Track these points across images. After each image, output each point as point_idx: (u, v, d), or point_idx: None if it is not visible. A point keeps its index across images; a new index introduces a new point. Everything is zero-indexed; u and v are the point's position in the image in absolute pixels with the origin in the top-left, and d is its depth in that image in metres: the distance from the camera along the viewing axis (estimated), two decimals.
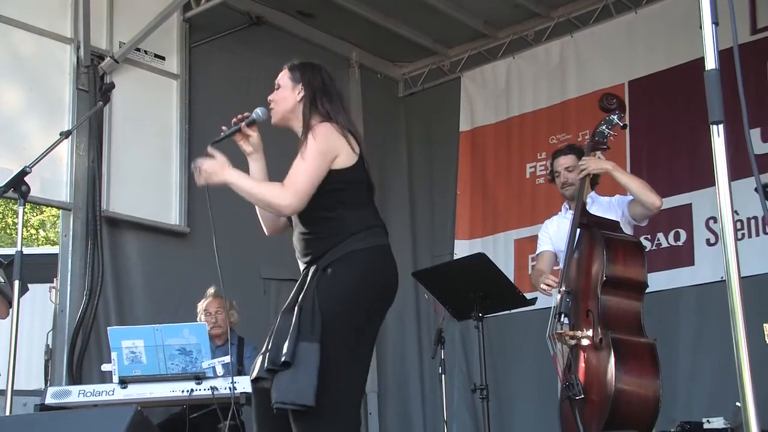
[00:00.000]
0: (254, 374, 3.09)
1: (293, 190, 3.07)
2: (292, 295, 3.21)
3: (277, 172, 3.28)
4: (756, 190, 2.43)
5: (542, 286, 4.22)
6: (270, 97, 3.31)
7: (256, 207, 3.34)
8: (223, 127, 3.28)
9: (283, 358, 2.93)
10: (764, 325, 3.26)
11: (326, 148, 3.11)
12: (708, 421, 4.46)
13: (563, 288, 4.01)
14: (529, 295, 4.78)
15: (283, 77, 3.33)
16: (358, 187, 3.22)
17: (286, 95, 3.26)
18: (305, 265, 3.23)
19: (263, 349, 3.14)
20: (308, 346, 2.93)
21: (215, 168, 3.15)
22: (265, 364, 3.01)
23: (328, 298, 3.03)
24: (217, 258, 3.47)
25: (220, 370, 4.48)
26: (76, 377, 5.27)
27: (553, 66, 6.95)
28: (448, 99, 7.51)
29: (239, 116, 3.28)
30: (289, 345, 2.94)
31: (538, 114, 6.98)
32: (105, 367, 4.59)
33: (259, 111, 3.25)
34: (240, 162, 3.30)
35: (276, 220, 3.38)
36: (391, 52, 7.62)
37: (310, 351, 2.92)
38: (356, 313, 3.08)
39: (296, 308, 3.06)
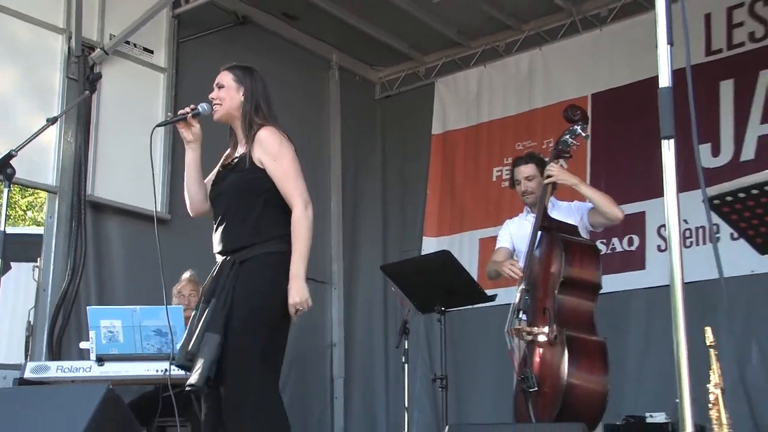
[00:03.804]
0: (175, 362, 3.28)
1: (303, 199, 3.24)
2: (208, 284, 3.29)
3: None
4: (703, 201, 2.47)
5: (507, 270, 4.21)
6: (212, 96, 3.43)
7: (185, 186, 3.50)
8: (169, 114, 3.39)
9: (190, 349, 3.10)
10: (705, 328, 3.31)
11: (292, 151, 3.30)
12: (651, 415, 4.52)
13: (523, 286, 4.04)
14: (489, 292, 4.80)
15: (225, 78, 3.45)
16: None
17: (232, 95, 3.39)
18: (222, 255, 3.31)
19: (182, 340, 3.27)
20: (211, 336, 3.05)
21: None
22: (183, 358, 3.18)
23: (244, 294, 3.12)
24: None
25: None
26: (55, 353, 5.22)
27: (522, 76, 6.99)
28: (422, 103, 7.52)
29: (187, 108, 3.40)
30: (197, 336, 3.09)
31: (506, 121, 7.01)
32: (83, 345, 4.55)
33: (204, 105, 3.41)
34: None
35: (203, 204, 3.49)
36: (369, 56, 7.62)
37: (212, 341, 3.04)
38: (270, 310, 3.16)
39: (212, 300, 3.16)
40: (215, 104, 3.41)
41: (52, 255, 5.50)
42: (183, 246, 6.00)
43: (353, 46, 7.36)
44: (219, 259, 3.34)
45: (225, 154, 3.52)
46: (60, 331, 5.33)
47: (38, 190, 5.83)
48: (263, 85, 3.46)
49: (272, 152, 3.25)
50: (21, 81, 5.55)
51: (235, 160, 3.38)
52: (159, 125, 3.45)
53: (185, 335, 3.24)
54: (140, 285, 5.66)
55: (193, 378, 3.02)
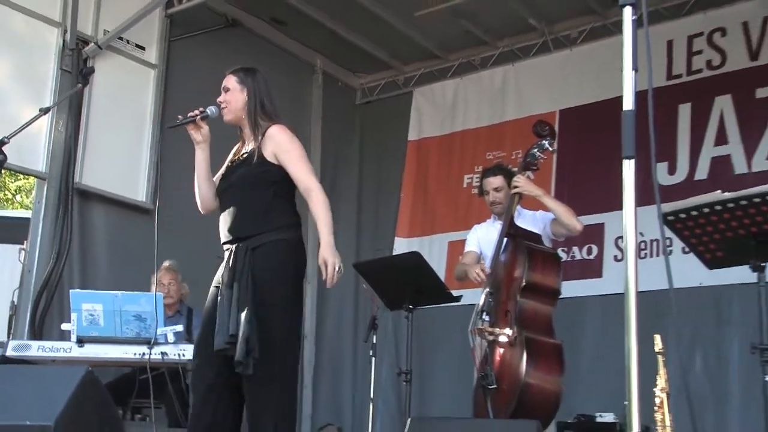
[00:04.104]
0: (215, 347, 3.19)
1: (317, 181, 3.37)
2: (225, 272, 3.32)
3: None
4: (658, 217, 2.50)
5: (474, 274, 4.22)
6: (220, 99, 3.49)
7: (195, 184, 3.53)
8: (179, 116, 3.46)
9: (230, 332, 3.10)
10: (655, 335, 3.35)
11: (301, 145, 3.40)
12: (600, 415, 4.56)
13: (487, 289, 4.06)
14: (455, 293, 4.82)
15: (230, 81, 3.50)
16: (290, 182, 3.37)
17: (237, 97, 3.46)
18: (232, 242, 3.35)
19: (206, 323, 3.32)
20: (243, 316, 3.12)
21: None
22: (224, 337, 3.15)
23: (263, 278, 3.20)
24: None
25: (171, 338, 4.45)
26: (37, 333, 5.18)
27: (495, 90, 7.02)
28: (400, 110, 7.53)
29: (196, 111, 3.44)
30: (231, 319, 3.13)
31: (479, 131, 7.04)
32: (65, 326, 4.51)
33: (213, 108, 3.46)
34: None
35: (212, 201, 3.53)
36: (352, 63, 7.62)
37: (245, 320, 3.11)
38: (289, 289, 3.28)
39: (234, 285, 3.21)
40: (223, 107, 3.47)
41: (39, 238, 5.46)
42: (165, 236, 5.96)
43: (337, 53, 7.36)
44: (226, 248, 3.38)
45: (233, 151, 3.57)
46: (43, 312, 5.29)
47: (28, 176, 5.77)
48: (265, 84, 3.51)
49: (285, 146, 3.35)
50: (16, 71, 5.50)
51: (244, 156, 3.44)
52: (170, 127, 3.50)
53: (218, 322, 3.23)
54: (122, 271, 5.64)
55: (239, 354, 3.09)
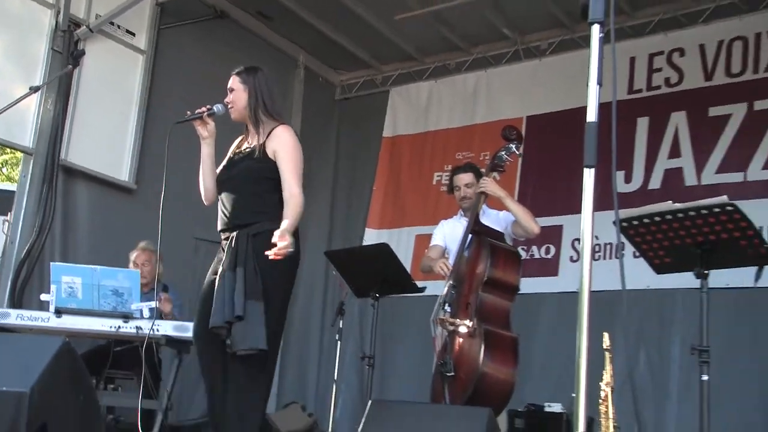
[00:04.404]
0: (210, 325, 3.26)
1: (300, 187, 3.37)
2: (226, 256, 3.34)
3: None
4: (614, 222, 2.53)
5: (437, 268, 4.24)
6: (227, 100, 3.53)
7: (200, 177, 3.56)
8: (188, 112, 3.48)
9: (238, 313, 3.18)
10: (604, 333, 3.39)
11: (301, 151, 3.46)
12: (549, 405, 4.59)
13: (451, 282, 4.07)
14: (420, 284, 4.83)
15: (234, 81, 3.55)
16: None
17: (240, 96, 3.50)
18: (229, 229, 3.39)
19: (203, 307, 3.35)
20: (255, 304, 3.19)
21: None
22: (222, 317, 3.21)
23: (267, 269, 3.23)
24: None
25: (146, 313, 4.42)
26: (16, 302, 5.12)
27: (468, 94, 7.03)
28: (376, 108, 7.52)
29: (203, 108, 3.48)
30: (238, 302, 3.18)
31: (450, 132, 7.05)
32: (44, 297, 4.47)
33: (219, 106, 3.50)
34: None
35: (216, 193, 3.55)
36: (333, 60, 7.59)
37: (257, 308, 3.19)
38: (286, 279, 3.36)
39: (237, 269, 3.25)
40: (230, 107, 3.51)
41: (23, 211, 5.40)
42: (146, 215, 5.92)
43: (320, 49, 7.34)
44: (225, 235, 3.43)
45: (236, 143, 3.60)
46: (23, 282, 5.24)
47: (15, 150, 5.69)
48: (266, 82, 3.54)
49: (286, 147, 3.40)
50: (8, 49, 5.42)
51: (248, 150, 3.49)
52: (178, 122, 3.51)
53: (217, 300, 3.27)
54: (101, 247, 5.59)
55: (249, 342, 3.17)
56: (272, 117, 3.48)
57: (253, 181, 3.40)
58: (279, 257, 3.14)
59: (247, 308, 3.19)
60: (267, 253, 3.14)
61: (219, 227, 3.47)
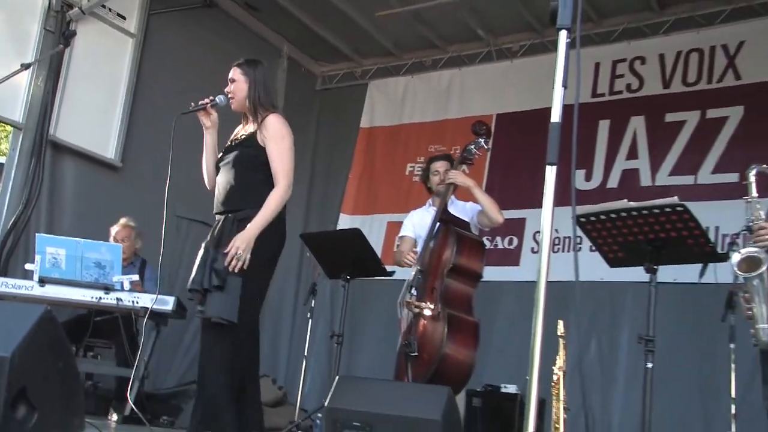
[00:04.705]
0: (188, 286, 3.36)
1: (287, 180, 3.37)
2: (216, 232, 3.39)
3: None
4: (573, 218, 2.55)
5: (404, 261, 4.25)
6: (228, 90, 3.54)
7: (203, 164, 3.59)
8: (192, 103, 3.50)
9: (216, 283, 3.22)
10: (558, 321, 3.43)
11: (290, 137, 3.44)
12: (505, 386, 4.63)
13: (418, 267, 4.08)
14: (389, 268, 4.84)
15: (235, 73, 3.56)
16: None
17: (241, 87, 3.52)
18: (222, 212, 3.43)
19: (196, 270, 3.37)
20: (235, 279, 3.22)
21: None
22: (201, 283, 3.28)
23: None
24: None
25: (126, 286, 4.39)
26: (2, 271, 5.05)
27: (442, 90, 7.04)
28: (354, 99, 7.50)
29: (206, 99, 3.50)
30: (221, 274, 3.21)
31: (423, 126, 7.06)
32: (28, 266, 4.42)
33: (221, 97, 3.52)
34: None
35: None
36: (315, 52, 7.55)
37: (237, 282, 3.22)
38: (267, 260, 3.38)
39: (218, 248, 3.28)
40: (230, 97, 3.52)
41: (11, 183, 5.34)
42: (129, 192, 5.87)
43: (303, 41, 7.29)
44: (217, 218, 3.46)
45: (236, 131, 3.61)
46: (9, 252, 5.17)
47: (5, 124, 5.60)
48: (264, 75, 3.57)
49: (275, 136, 3.40)
50: (2, 27, 5.32)
51: (242, 137, 3.49)
52: (183, 113, 3.50)
53: (198, 268, 3.34)
54: (86, 221, 5.53)
55: (221, 312, 3.21)
56: (269, 108, 3.49)
57: (244, 168, 3.40)
58: (233, 267, 3.20)
59: (228, 282, 3.21)
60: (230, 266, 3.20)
61: (214, 210, 3.50)
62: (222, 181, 3.46)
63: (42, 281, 4.27)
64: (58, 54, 5.28)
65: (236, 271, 3.21)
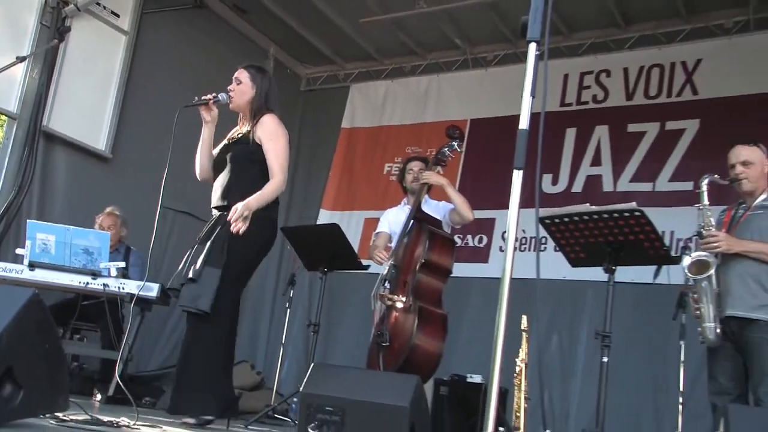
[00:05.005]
0: (168, 285, 3.41)
1: (283, 175, 3.38)
2: (206, 230, 3.41)
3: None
4: (536, 219, 2.57)
5: (376, 257, 4.29)
6: (230, 88, 3.53)
7: (197, 155, 3.56)
8: (196, 97, 3.48)
9: (190, 275, 3.23)
10: (522, 316, 3.46)
11: (285, 136, 3.46)
12: (471, 376, 4.64)
13: (392, 261, 4.09)
14: (365, 262, 4.84)
15: (243, 75, 3.55)
16: None
17: (246, 90, 3.52)
18: (218, 208, 3.42)
19: (180, 267, 3.38)
20: (212, 270, 3.22)
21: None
22: (180, 280, 3.30)
23: (235, 241, 3.26)
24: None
25: (113, 272, 4.35)
26: None
27: (420, 95, 7.05)
28: (337, 101, 7.48)
29: (209, 95, 3.46)
30: (198, 267, 3.22)
31: (402, 128, 7.06)
32: (19, 251, 4.37)
33: (224, 95, 3.50)
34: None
35: (210, 172, 3.57)
36: (301, 55, 7.52)
37: (213, 274, 3.22)
38: (249, 256, 3.37)
39: (209, 241, 3.29)
40: (231, 95, 3.50)
41: (4, 171, 5.27)
42: (118, 183, 5.82)
43: (289, 43, 7.26)
44: (214, 212, 3.45)
45: (233, 130, 3.59)
46: (0, 237, 5.09)
47: (0, 114, 5.52)
48: (269, 85, 3.58)
49: (272, 135, 3.41)
50: (0, 20, 5.23)
51: (239, 136, 3.49)
52: (186, 106, 3.46)
53: (183, 265, 3.33)
54: (75, 209, 5.47)
55: (204, 305, 3.20)
56: (265, 111, 3.50)
57: (240, 164, 3.40)
58: (236, 228, 3.18)
59: (203, 273, 3.21)
60: (232, 229, 3.18)
61: (212, 204, 3.49)
62: (220, 178, 3.46)
63: (32, 265, 4.22)
64: (53, 48, 5.20)
65: (240, 233, 3.19)
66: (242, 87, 3.52)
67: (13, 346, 1.96)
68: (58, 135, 5.51)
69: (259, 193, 3.30)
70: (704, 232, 3.41)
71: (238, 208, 3.21)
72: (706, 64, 5.78)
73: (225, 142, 3.57)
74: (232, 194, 3.38)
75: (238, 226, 3.20)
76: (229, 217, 3.21)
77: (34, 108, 5.30)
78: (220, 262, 3.24)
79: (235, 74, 3.56)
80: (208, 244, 3.28)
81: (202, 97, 3.47)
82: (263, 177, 3.38)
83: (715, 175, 3.50)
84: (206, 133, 3.53)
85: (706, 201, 3.44)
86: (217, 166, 3.51)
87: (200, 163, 3.57)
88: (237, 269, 3.33)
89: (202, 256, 3.25)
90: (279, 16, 6.69)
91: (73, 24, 5.46)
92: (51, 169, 5.49)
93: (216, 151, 3.56)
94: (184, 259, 3.35)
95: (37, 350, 2.07)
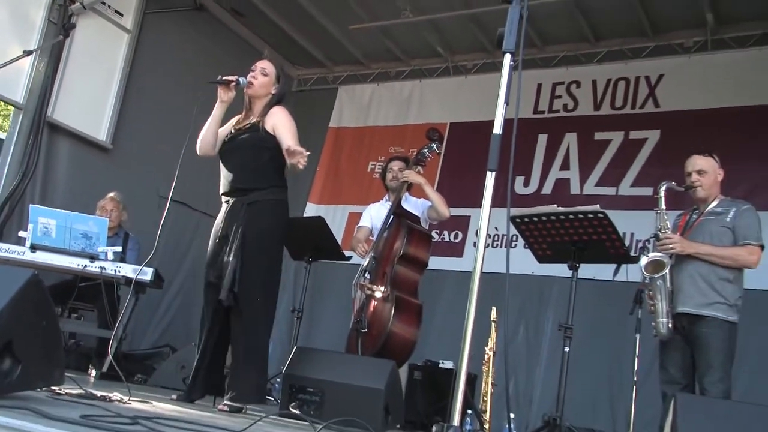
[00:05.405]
0: (208, 280, 3.30)
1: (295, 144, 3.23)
2: (222, 221, 3.32)
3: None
4: (507, 218, 2.59)
5: (358, 250, 4.29)
6: (254, 75, 3.43)
7: (204, 130, 3.42)
8: (220, 76, 3.37)
9: (235, 289, 3.17)
10: (492, 307, 3.48)
11: (294, 125, 3.39)
12: (443, 362, 4.66)
13: (372, 254, 4.10)
14: (347, 253, 4.84)
15: (270, 68, 3.48)
16: (281, 152, 3.32)
17: (267, 83, 3.45)
18: (232, 192, 3.33)
19: (209, 261, 3.33)
20: (231, 262, 3.17)
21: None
22: (214, 276, 3.24)
23: (254, 233, 3.22)
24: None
25: (110, 256, 4.32)
26: None
27: (403, 98, 7.04)
28: (326, 101, 7.45)
29: (231, 77, 3.37)
30: (224, 262, 3.19)
31: (385, 129, 7.05)
32: (21, 234, 4.31)
33: (243, 80, 3.41)
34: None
35: (212, 149, 3.45)
36: (293, 56, 7.47)
37: (233, 266, 3.16)
38: (277, 242, 3.35)
39: (229, 234, 3.22)
40: (253, 82, 3.41)
41: (9, 158, 5.20)
42: (117, 172, 5.77)
43: (283, 46, 7.21)
44: (225, 199, 3.36)
45: (237, 119, 3.51)
46: (4, 220, 5.04)
47: (7, 104, 5.45)
48: (285, 86, 3.54)
49: (284, 121, 3.35)
50: (10, 16, 5.17)
51: (249, 125, 3.40)
52: (209, 82, 3.37)
53: (210, 257, 3.28)
54: (76, 196, 5.41)
55: (222, 295, 3.17)
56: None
57: (254, 152, 3.31)
58: (303, 160, 3.11)
59: (245, 264, 3.17)
60: (293, 162, 3.10)
61: (221, 191, 3.40)
62: (231, 165, 3.36)
63: (33, 248, 4.17)
64: (59, 43, 5.16)
65: (303, 165, 3.12)
66: (267, 80, 3.44)
67: (12, 322, 1.94)
68: (62, 125, 5.44)
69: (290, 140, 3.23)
70: (661, 234, 3.45)
71: (297, 148, 3.12)
72: (667, 79, 5.84)
73: (230, 131, 3.46)
74: (246, 178, 3.30)
75: (301, 159, 3.12)
76: (295, 149, 3.11)
77: (39, 99, 5.24)
78: (252, 260, 3.20)
79: (260, 64, 3.46)
80: (236, 245, 3.21)
81: (226, 77, 3.37)
82: (272, 163, 3.33)
83: (673, 182, 3.54)
84: (219, 111, 3.41)
85: (663, 206, 3.48)
86: (226, 155, 3.41)
87: (205, 139, 3.42)
88: (271, 256, 3.30)
89: (237, 246, 3.18)
90: (274, 21, 6.66)
91: (79, 21, 5.39)
92: (54, 157, 5.42)
93: (222, 139, 3.45)
94: (214, 249, 3.26)
95: (35, 327, 2.05)
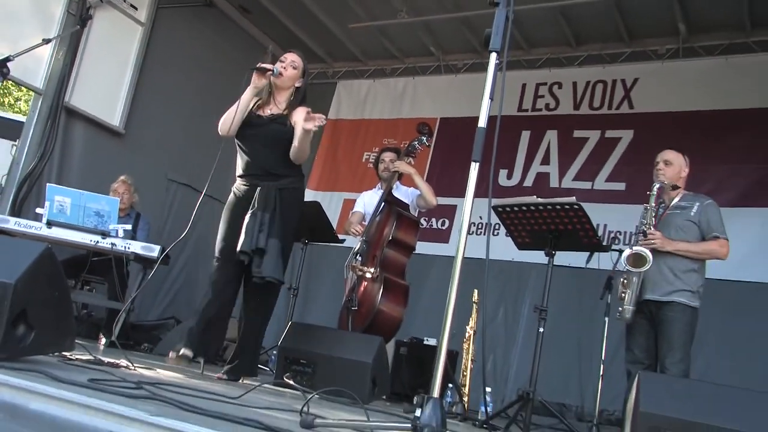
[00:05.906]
0: (239, 248, 3.16)
1: None
2: (258, 199, 3.22)
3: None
4: (488, 207, 2.59)
5: (351, 231, 4.28)
6: (285, 66, 3.36)
7: (230, 111, 3.30)
8: (260, 63, 3.31)
9: (259, 245, 3.11)
10: (474, 289, 3.49)
11: None
12: (427, 339, 4.68)
13: (363, 237, 4.10)
14: (341, 237, 4.84)
15: (299, 63, 3.41)
16: None
17: (294, 76, 3.38)
18: (253, 176, 3.27)
19: (228, 235, 3.23)
20: (275, 242, 3.14)
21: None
22: (251, 245, 3.13)
23: (288, 213, 3.21)
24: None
25: (121, 233, 4.29)
26: (16, 212, 4.90)
27: (397, 94, 7.01)
28: (325, 95, 7.37)
29: (267, 65, 3.31)
30: (263, 238, 3.12)
31: (380, 122, 7.02)
32: (38, 210, 4.28)
33: (276, 69, 3.32)
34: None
35: (233, 129, 3.32)
36: None
37: (277, 245, 3.14)
38: (296, 226, 3.31)
39: (265, 213, 3.17)
40: (282, 72, 3.33)
41: (29, 140, 5.17)
42: (129, 156, 5.73)
43: (286, 42, 7.11)
44: (249, 180, 3.28)
45: (256, 104, 3.38)
46: (23, 197, 5.03)
47: (28, 89, 5.40)
48: (307, 80, 3.46)
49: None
50: (32, 6, 5.13)
51: (276, 115, 3.33)
52: (250, 69, 3.30)
53: (248, 232, 3.14)
54: (90, 176, 5.38)
55: (274, 273, 3.13)
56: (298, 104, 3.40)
57: (280, 142, 3.24)
58: (318, 122, 3.09)
59: (270, 244, 3.11)
60: (308, 126, 3.08)
61: (241, 172, 3.32)
62: (257, 149, 3.28)
63: (49, 224, 4.15)
64: (77, 33, 5.11)
65: (317, 125, 3.08)
66: (295, 73, 3.37)
67: (26, 292, 1.93)
68: (78, 110, 5.40)
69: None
70: (646, 230, 3.44)
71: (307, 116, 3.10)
72: (642, 82, 5.83)
73: (254, 115, 3.35)
74: (277, 166, 3.26)
75: (314, 123, 3.09)
76: (311, 115, 3.08)
77: (57, 85, 5.21)
78: (278, 234, 3.15)
79: (290, 57, 3.38)
80: (267, 217, 3.16)
81: (263, 65, 3.30)
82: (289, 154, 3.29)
83: (665, 182, 3.53)
84: (249, 95, 3.30)
85: (653, 203, 3.47)
86: (251, 138, 3.31)
87: (228, 119, 3.28)
88: (290, 240, 3.28)
89: (267, 228, 3.14)
90: (278, 18, 6.61)
91: (96, 13, 5.34)
92: (70, 140, 5.38)
93: (247, 118, 3.33)
94: (247, 227, 3.15)
95: (48, 297, 2.04)
